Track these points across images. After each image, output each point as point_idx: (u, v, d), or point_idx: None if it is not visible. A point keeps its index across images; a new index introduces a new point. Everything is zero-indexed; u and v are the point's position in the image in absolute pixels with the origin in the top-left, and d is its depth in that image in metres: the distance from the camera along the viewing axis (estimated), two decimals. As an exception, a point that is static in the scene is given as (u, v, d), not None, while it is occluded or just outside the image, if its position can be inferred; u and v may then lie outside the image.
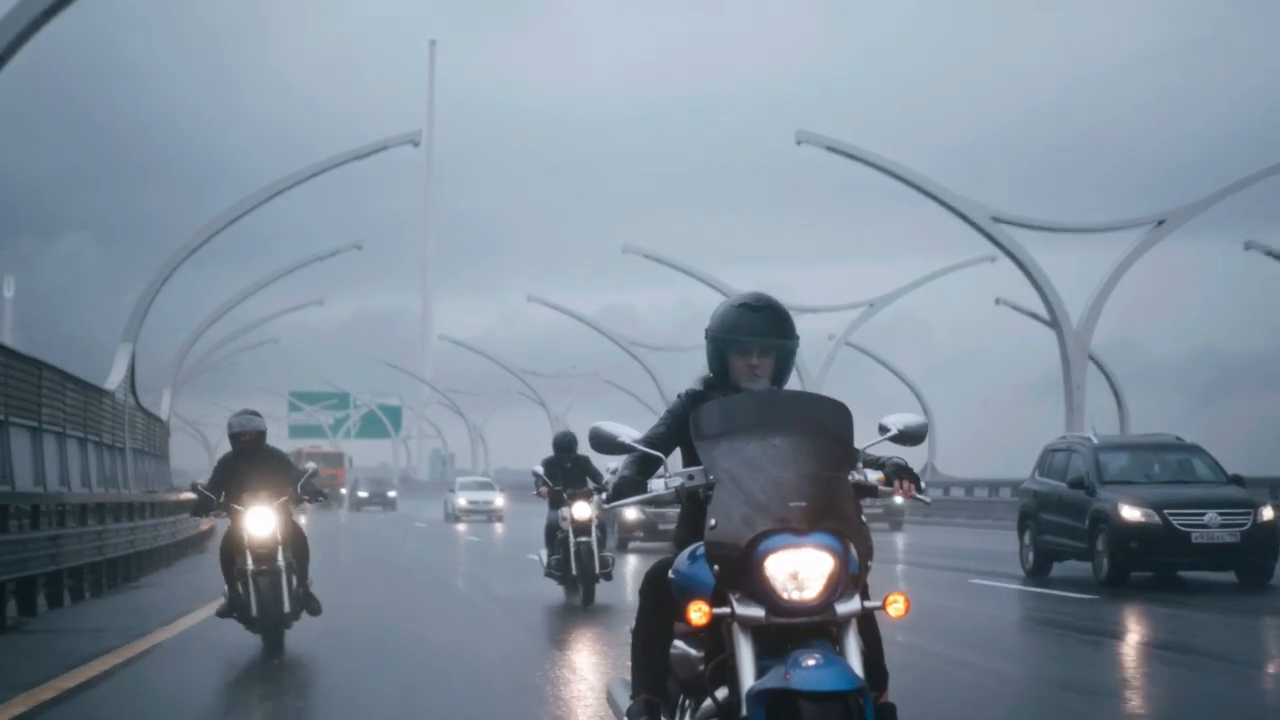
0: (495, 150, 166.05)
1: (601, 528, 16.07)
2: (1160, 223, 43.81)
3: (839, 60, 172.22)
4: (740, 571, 4.51)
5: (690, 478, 4.93)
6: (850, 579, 4.58)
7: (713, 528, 4.58)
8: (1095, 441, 20.55)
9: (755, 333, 5.24)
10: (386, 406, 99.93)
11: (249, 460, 11.86)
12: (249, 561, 11.35)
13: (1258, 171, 43.35)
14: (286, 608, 11.41)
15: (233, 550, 11.55)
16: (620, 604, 15.74)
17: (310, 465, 12.13)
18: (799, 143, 39.98)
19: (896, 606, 4.61)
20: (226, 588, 11.65)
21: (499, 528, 44.20)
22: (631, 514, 27.93)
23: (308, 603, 11.91)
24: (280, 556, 11.44)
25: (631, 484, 5.17)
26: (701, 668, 4.75)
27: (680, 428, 5.18)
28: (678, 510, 5.44)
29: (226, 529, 11.79)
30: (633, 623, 5.33)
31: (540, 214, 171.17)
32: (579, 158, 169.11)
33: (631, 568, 22.73)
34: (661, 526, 27.10)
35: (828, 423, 4.83)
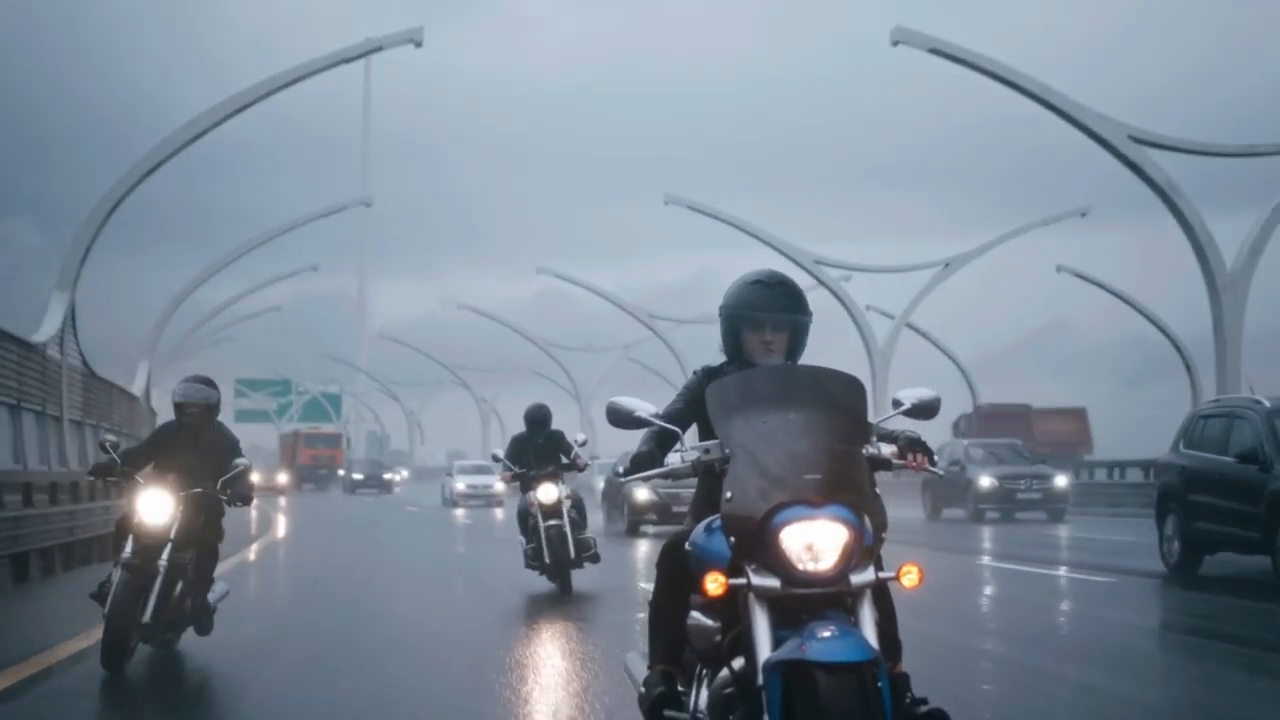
0: (437, 136, 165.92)
1: (577, 507, 15.00)
2: (946, 264, 55.23)
3: (784, 50, 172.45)
4: (756, 543, 4.62)
5: (706, 451, 5.02)
6: (864, 551, 4.68)
7: (729, 500, 4.68)
8: (1267, 404, 16.26)
9: (769, 308, 5.33)
10: (328, 394, 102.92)
11: (192, 437, 10.07)
12: (128, 547, 9.48)
13: (1019, 226, 54.43)
14: (145, 617, 9.33)
15: (126, 528, 9.71)
16: (604, 588, 15.12)
17: (240, 462, 10.09)
18: (667, 202, 49.43)
19: (910, 577, 4.71)
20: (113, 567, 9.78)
21: (499, 513, 43.85)
22: (643, 495, 26.71)
23: (196, 619, 10.14)
24: (166, 555, 9.46)
25: (648, 458, 5.27)
26: (718, 638, 4.86)
27: (697, 403, 5.27)
28: (692, 492, 5.51)
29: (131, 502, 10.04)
30: (650, 595, 5.39)
31: (480, 200, 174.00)
32: (521, 145, 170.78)
33: (643, 552, 21.93)
34: (675, 509, 25.54)
35: (842, 397, 4.92)
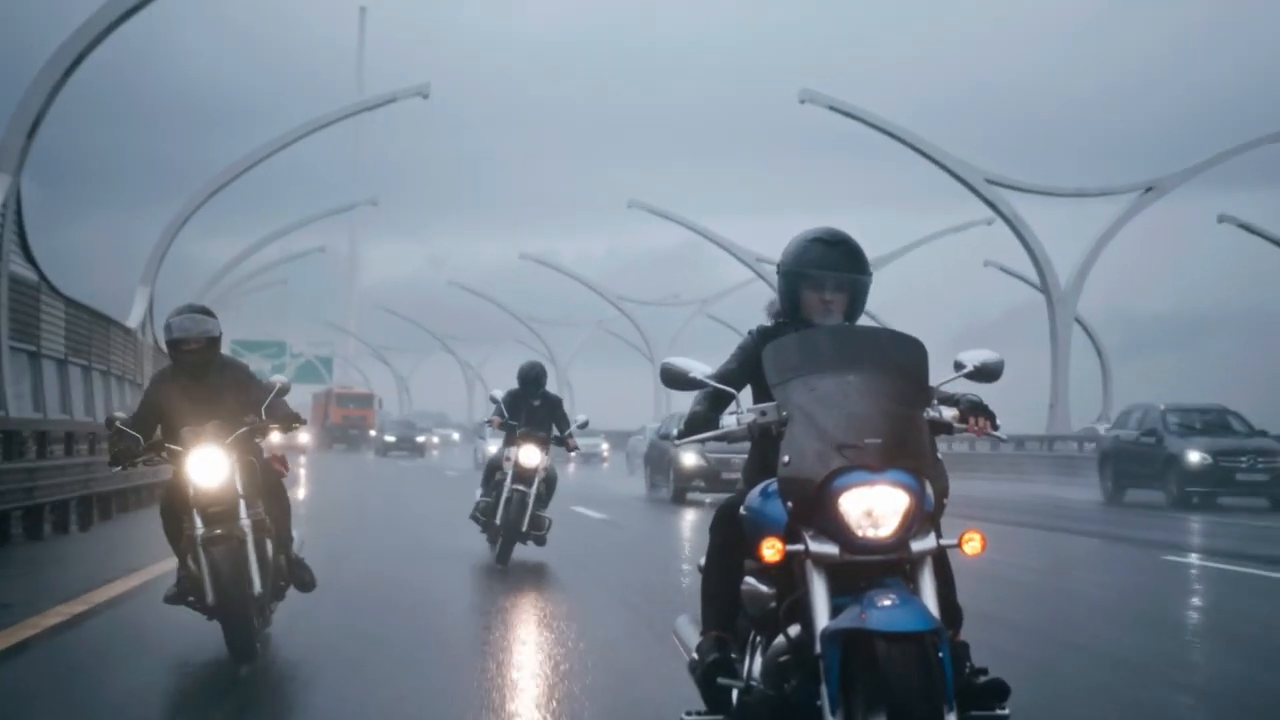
0: (430, 95, 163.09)
1: (548, 482, 14.10)
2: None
3: (779, 10, 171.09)
4: (814, 508, 4.53)
5: (763, 414, 4.91)
6: (925, 517, 4.55)
7: (786, 464, 4.57)
8: None
9: (829, 267, 5.22)
10: (320, 356, 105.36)
11: (195, 379, 8.51)
12: (198, 525, 8.15)
13: (932, 233, 60.90)
14: (257, 587, 8.16)
15: (177, 510, 8.36)
16: (551, 566, 13.94)
17: (278, 378, 8.84)
18: (630, 205, 56.03)
19: (973, 544, 4.60)
20: (178, 563, 8.53)
21: None
22: (691, 460, 25.30)
23: (295, 576, 8.95)
24: (244, 513, 8.20)
25: (704, 420, 5.16)
26: (773, 605, 4.76)
27: (752, 364, 5.17)
28: (742, 458, 5.39)
29: (167, 481, 8.66)
30: (703, 560, 5.29)
31: (471, 159, 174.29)
32: (515, 105, 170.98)
33: (689, 520, 21.58)
34: (725, 475, 24.30)
35: (902, 359, 4.83)
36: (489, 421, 14.73)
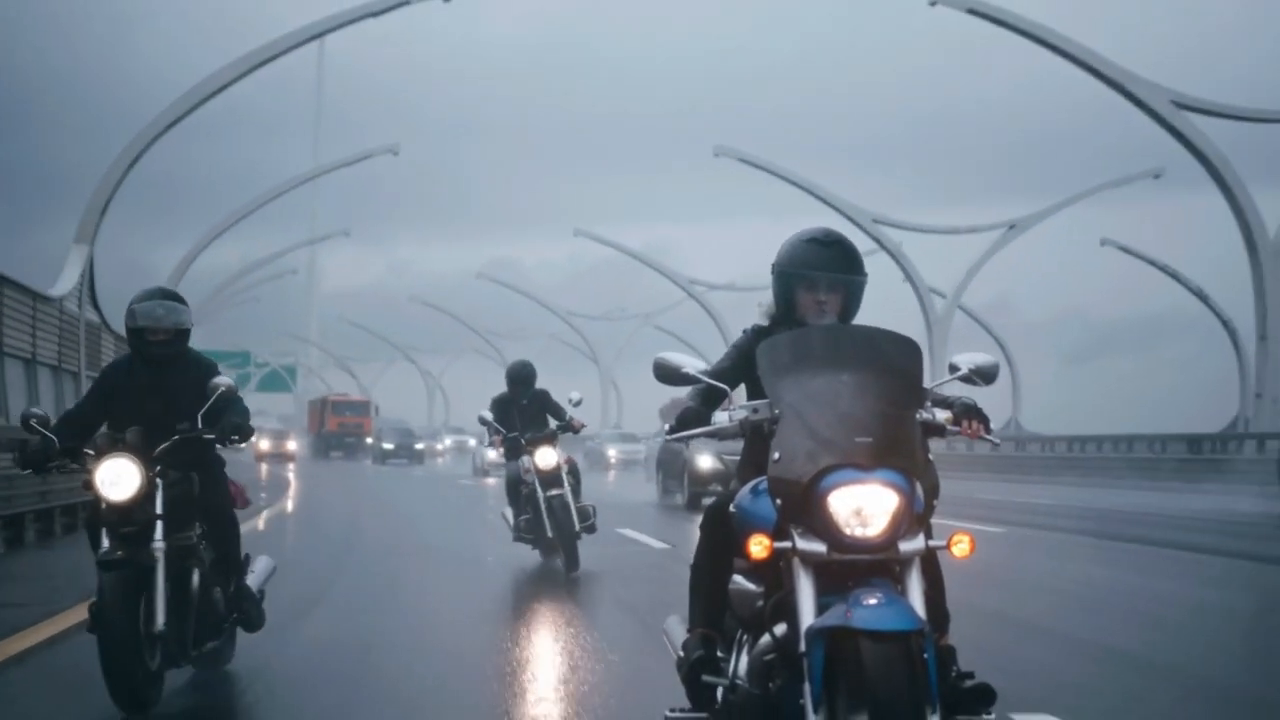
0: (390, 105, 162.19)
1: (574, 474, 13.87)
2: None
3: (740, 15, 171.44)
4: (803, 506, 4.53)
5: (755, 411, 4.92)
6: (915, 518, 4.55)
7: (776, 461, 4.58)
8: None
9: (824, 267, 5.23)
10: (285, 365, 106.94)
11: (156, 375, 7.42)
12: (103, 544, 7.02)
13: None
14: (159, 623, 6.87)
15: (94, 523, 7.23)
16: (602, 568, 13.72)
17: (222, 380, 7.34)
18: (576, 234, 65.39)
19: (961, 546, 4.59)
20: None
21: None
22: (707, 463, 23.97)
23: (243, 610, 7.78)
24: (159, 536, 6.97)
25: (695, 416, 5.16)
26: (760, 603, 4.78)
27: (746, 362, 5.20)
28: None
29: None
30: (692, 557, 5.27)
31: (432, 170, 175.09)
32: (475, 114, 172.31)
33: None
34: None
35: (896, 359, 4.82)
36: (492, 443, 14.42)
